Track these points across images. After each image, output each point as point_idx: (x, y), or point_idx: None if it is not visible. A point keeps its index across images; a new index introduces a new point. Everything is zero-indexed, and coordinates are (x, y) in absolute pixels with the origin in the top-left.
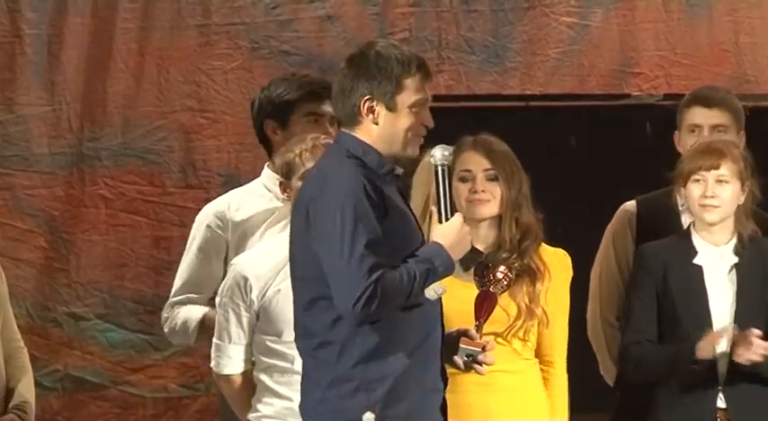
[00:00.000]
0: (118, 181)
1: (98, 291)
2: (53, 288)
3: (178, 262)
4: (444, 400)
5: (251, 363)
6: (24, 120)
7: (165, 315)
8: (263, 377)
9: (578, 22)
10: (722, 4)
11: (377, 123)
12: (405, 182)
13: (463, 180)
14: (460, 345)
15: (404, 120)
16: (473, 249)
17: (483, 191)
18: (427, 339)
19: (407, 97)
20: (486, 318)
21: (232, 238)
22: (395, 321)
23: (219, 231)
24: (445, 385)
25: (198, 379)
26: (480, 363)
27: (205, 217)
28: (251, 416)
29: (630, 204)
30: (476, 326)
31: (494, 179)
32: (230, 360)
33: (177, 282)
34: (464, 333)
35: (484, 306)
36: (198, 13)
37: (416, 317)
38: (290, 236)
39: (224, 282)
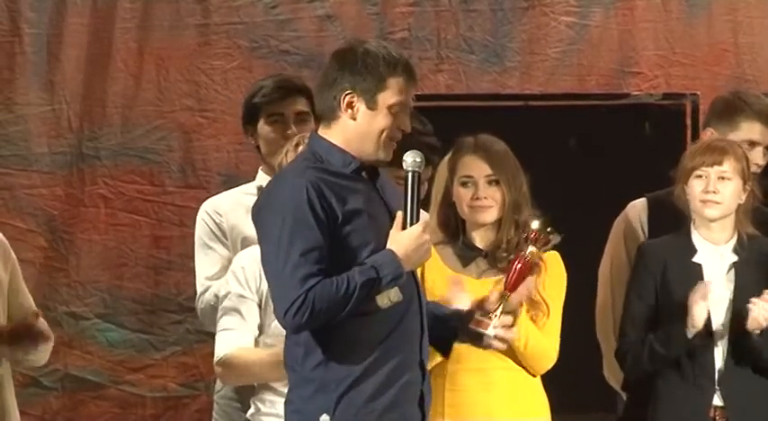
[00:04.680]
0: (117, 180)
1: (98, 291)
2: (53, 287)
3: (178, 261)
4: (422, 394)
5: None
6: (24, 120)
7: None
8: None
9: (578, 21)
10: (721, 4)
11: (354, 119)
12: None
13: (465, 185)
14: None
15: (381, 120)
16: (473, 247)
17: (485, 197)
18: (390, 338)
19: (389, 97)
20: (516, 286)
21: (230, 235)
22: (354, 325)
23: (217, 218)
24: (423, 378)
25: (198, 378)
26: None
27: (203, 212)
28: (249, 414)
29: (641, 202)
30: (499, 296)
31: (495, 183)
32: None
33: (201, 277)
34: (470, 314)
35: (516, 271)
36: (197, 13)
37: (375, 321)
38: None
39: (225, 277)
